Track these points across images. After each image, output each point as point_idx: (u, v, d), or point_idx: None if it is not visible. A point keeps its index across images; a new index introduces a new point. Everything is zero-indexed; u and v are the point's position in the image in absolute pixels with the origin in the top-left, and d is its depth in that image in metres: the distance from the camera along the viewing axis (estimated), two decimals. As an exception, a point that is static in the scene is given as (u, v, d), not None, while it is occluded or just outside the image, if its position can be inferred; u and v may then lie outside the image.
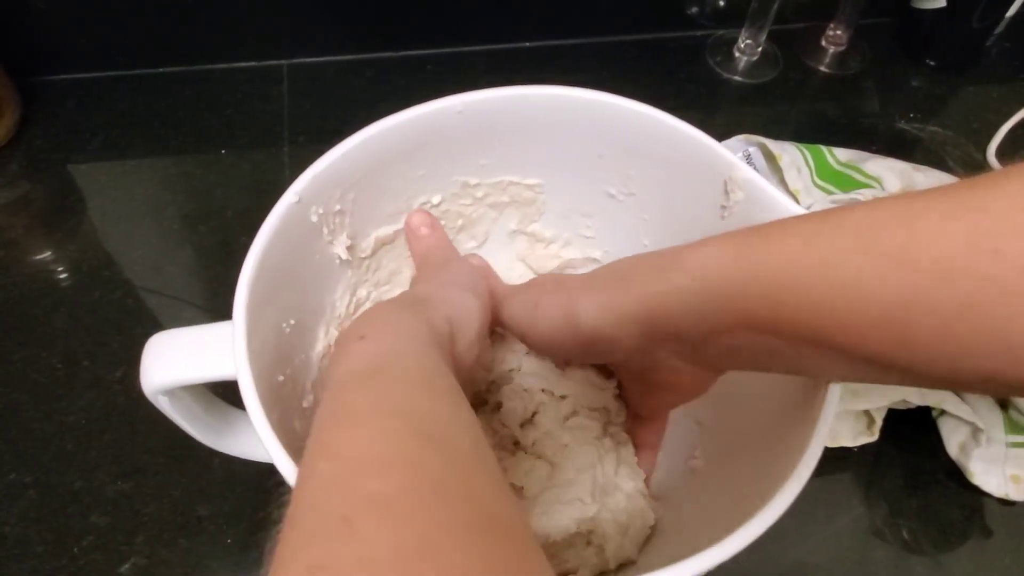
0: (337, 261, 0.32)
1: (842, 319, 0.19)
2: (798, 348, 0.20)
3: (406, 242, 0.34)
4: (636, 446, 0.34)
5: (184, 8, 0.52)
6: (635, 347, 0.25)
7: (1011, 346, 0.16)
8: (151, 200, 0.49)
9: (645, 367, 0.26)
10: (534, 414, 0.34)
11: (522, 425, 0.34)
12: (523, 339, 0.30)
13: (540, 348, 0.31)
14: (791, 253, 0.20)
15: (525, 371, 0.35)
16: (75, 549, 0.35)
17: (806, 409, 0.25)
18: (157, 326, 0.43)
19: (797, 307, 0.20)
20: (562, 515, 0.30)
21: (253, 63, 0.57)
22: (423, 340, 0.21)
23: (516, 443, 0.33)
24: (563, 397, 0.34)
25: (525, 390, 0.34)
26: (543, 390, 0.34)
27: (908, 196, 0.19)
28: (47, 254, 0.46)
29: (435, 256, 0.32)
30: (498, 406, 0.34)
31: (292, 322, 0.29)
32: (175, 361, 0.25)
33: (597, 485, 0.31)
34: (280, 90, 0.55)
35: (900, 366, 0.19)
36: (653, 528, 0.31)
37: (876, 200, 0.19)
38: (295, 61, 0.57)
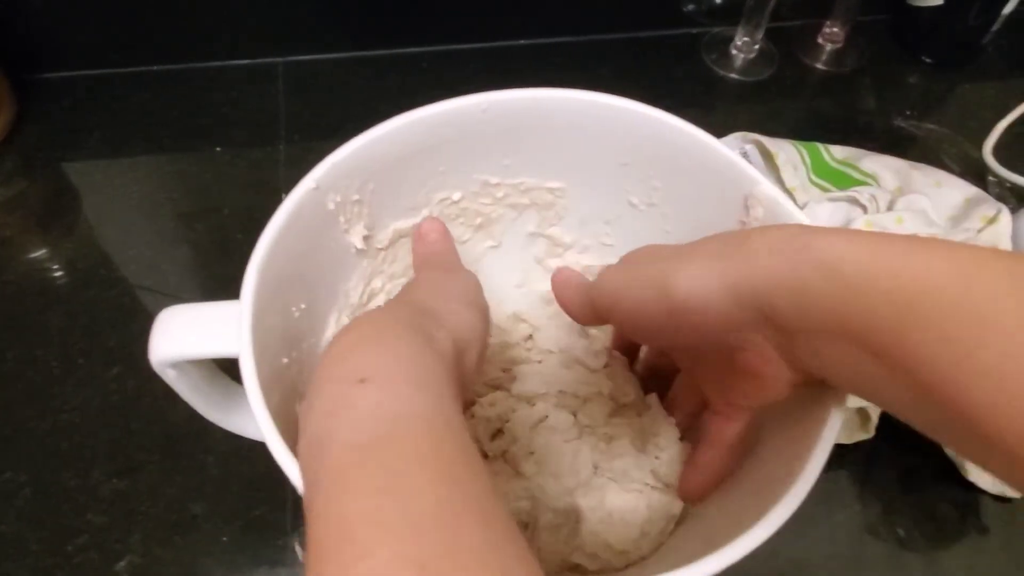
0: (352, 250, 0.32)
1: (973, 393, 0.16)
2: (894, 383, 0.18)
3: (412, 244, 0.34)
4: (704, 442, 0.31)
5: (180, 6, 0.52)
6: (726, 323, 0.23)
7: None
8: (147, 198, 0.49)
9: (734, 347, 0.24)
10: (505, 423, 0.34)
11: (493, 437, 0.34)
12: (610, 316, 0.28)
13: (625, 323, 0.28)
14: (935, 280, 0.17)
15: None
16: (70, 547, 0.35)
17: (814, 412, 0.25)
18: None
19: (925, 351, 0.17)
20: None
21: (249, 61, 0.57)
22: (433, 384, 0.19)
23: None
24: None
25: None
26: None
27: None
28: (42, 252, 0.46)
29: (438, 262, 0.31)
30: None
31: (303, 306, 0.29)
32: (182, 335, 0.25)
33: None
34: (276, 88, 0.55)
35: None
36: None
37: None
38: (291, 59, 0.57)
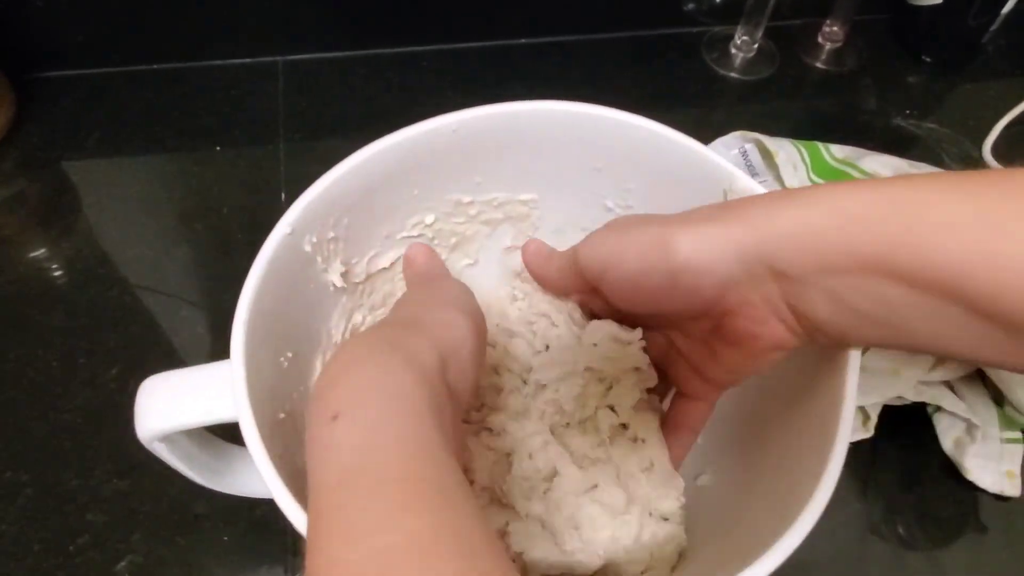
0: (331, 288, 0.31)
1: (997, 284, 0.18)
2: (917, 299, 0.20)
3: (403, 272, 0.34)
4: (673, 427, 0.31)
5: (180, 5, 0.52)
6: (728, 282, 0.23)
7: None
8: (147, 197, 0.49)
9: (725, 311, 0.24)
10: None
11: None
12: (600, 281, 0.27)
13: (618, 288, 0.27)
14: (947, 210, 0.19)
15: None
16: (72, 547, 0.35)
17: (823, 418, 0.25)
18: (153, 324, 0.43)
19: (941, 261, 0.19)
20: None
21: (248, 60, 0.57)
22: (405, 406, 0.19)
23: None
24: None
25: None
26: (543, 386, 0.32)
27: None
28: (42, 252, 0.46)
29: (424, 276, 0.31)
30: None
31: (289, 355, 0.28)
32: (172, 406, 0.24)
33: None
34: (275, 87, 0.55)
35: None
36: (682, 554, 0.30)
37: None
38: (290, 58, 0.57)
